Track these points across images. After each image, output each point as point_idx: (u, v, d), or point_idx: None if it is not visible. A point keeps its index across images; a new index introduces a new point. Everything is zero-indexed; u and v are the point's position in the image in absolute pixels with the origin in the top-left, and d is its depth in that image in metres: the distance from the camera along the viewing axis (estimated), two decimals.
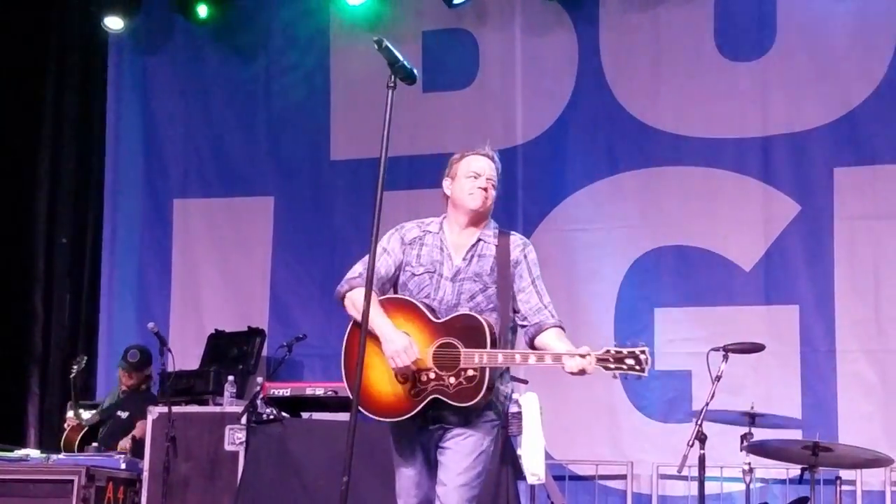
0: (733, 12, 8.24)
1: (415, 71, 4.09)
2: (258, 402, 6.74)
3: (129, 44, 9.48)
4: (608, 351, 4.04)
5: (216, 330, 8.54)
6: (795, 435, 6.36)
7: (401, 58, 4.01)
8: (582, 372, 4.08)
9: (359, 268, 4.45)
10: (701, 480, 5.83)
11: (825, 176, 7.86)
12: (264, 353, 8.48)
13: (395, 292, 4.51)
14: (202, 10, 8.81)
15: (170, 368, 7.46)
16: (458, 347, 4.22)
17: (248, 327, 8.47)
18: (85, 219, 9.60)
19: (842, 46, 8.11)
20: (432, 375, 4.28)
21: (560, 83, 8.46)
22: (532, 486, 6.23)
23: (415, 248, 4.52)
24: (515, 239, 4.54)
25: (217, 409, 7.30)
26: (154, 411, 7.18)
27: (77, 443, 7.97)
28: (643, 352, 4.01)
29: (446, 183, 4.55)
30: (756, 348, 6.10)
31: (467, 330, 4.25)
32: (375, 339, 4.37)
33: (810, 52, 8.10)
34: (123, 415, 8.05)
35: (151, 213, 9.40)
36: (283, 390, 6.84)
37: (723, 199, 8.11)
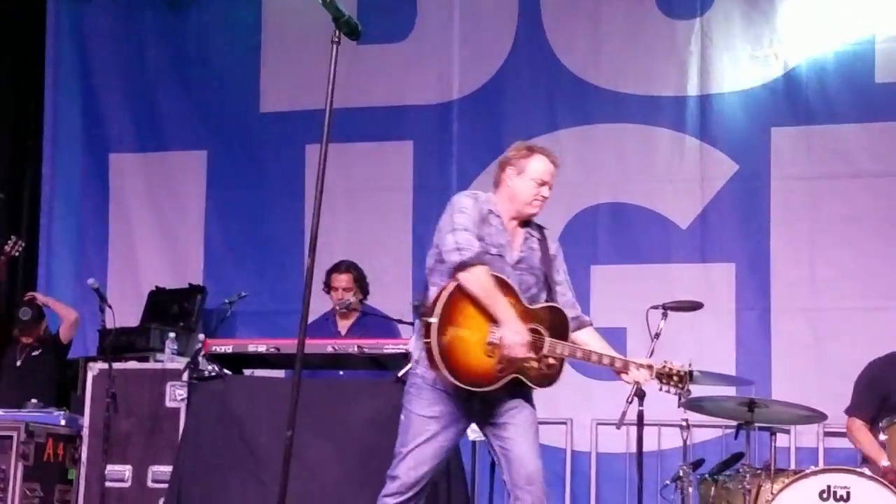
0: None
1: (359, 27, 3.80)
2: (200, 358, 6.27)
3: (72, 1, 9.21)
4: (670, 368, 4.20)
5: (156, 287, 8.24)
6: (731, 392, 6.18)
7: (346, 13, 3.73)
8: (637, 384, 4.28)
9: (460, 236, 4.23)
10: (640, 436, 5.56)
11: (763, 135, 7.60)
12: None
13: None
14: None
15: (109, 325, 7.15)
16: (543, 335, 4.19)
17: (189, 284, 8.18)
18: (23, 173, 9.22)
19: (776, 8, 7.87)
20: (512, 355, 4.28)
21: (499, 38, 8.13)
22: (473, 443, 6.18)
23: (486, 226, 4.35)
24: (549, 234, 4.62)
25: (158, 365, 7.00)
26: (94, 367, 6.86)
27: None
28: (690, 374, 4.21)
29: (510, 171, 4.40)
30: (695, 306, 5.85)
31: (554, 321, 4.26)
32: (480, 311, 4.24)
33: (748, 12, 7.77)
34: (40, 362, 7.74)
35: (90, 167, 8.98)
36: (224, 347, 6.36)
37: (660, 157, 7.81)
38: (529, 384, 4.27)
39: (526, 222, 4.53)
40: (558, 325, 4.30)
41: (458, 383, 4.14)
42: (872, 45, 7.47)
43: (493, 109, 8.19)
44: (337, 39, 3.74)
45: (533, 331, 4.20)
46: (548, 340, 4.20)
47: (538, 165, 4.41)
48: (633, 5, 7.98)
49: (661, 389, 4.31)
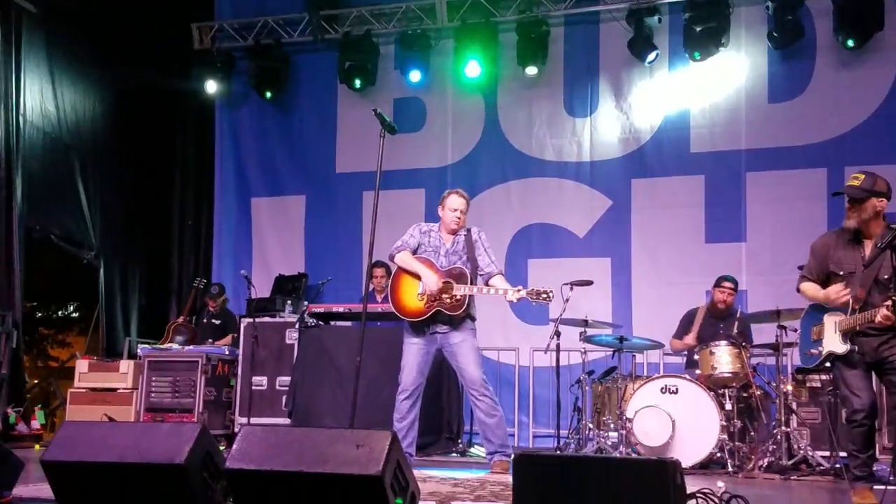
0: (572, 80, 9.20)
1: (395, 128, 5.01)
2: (304, 316, 7.61)
3: (226, 107, 10.26)
4: (535, 290, 5.02)
5: (279, 274, 9.39)
6: (609, 331, 7.09)
7: (388, 119, 4.92)
8: (519, 300, 5.10)
9: (399, 243, 5.52)
10: (558, 357, 6.80)
11: (627, 183, 8.91)
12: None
13: (414, 254, 5.50)
14: (268, 93, 9.77)
15: (253, 297, 8.12)
16: (452, 283, 5.25)
17: (298, 272, 9.35)
18: (201, 210, 10.44)
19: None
20: (436, 298, 5.22)
21: (474, 128, 9.39)
22: None
23: (426, 237, 5.56)
24: (474, 229, 5.58)
25: (281, 319, 7.99)
26: (245, 321, 7.86)
27: (173, 333, 8.61)
28: (549, 292, 5.00)
29: (440, 208, 5.60)
30: (588, 283, 6.91)
31: (459, 275, 5.29)
32: (411, 275, 5.42)
33: (617, 113, 9.07)
34: (216, 321, 8.78)
35: (240, 205, 10.20)
36: (319, 309, 7.68)
37: (567, 196, 9.06)
38: (448, 313, 5.22)
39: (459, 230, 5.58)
40: (459, 276, 5.28)
41: (407, 318, 5.36)
42: (688, 130, 8.76)
43: (471, 169, 9.26)
44: (383, 135, 4.85)
45: (447, 282, 5.27)
46: (454, 285, 5.22)
47: (451, 202, 5.55)
48: (550, 107, 9.21)
49: (534, 303, 5.18)
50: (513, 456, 2.88)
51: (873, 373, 4.61)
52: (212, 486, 3.03)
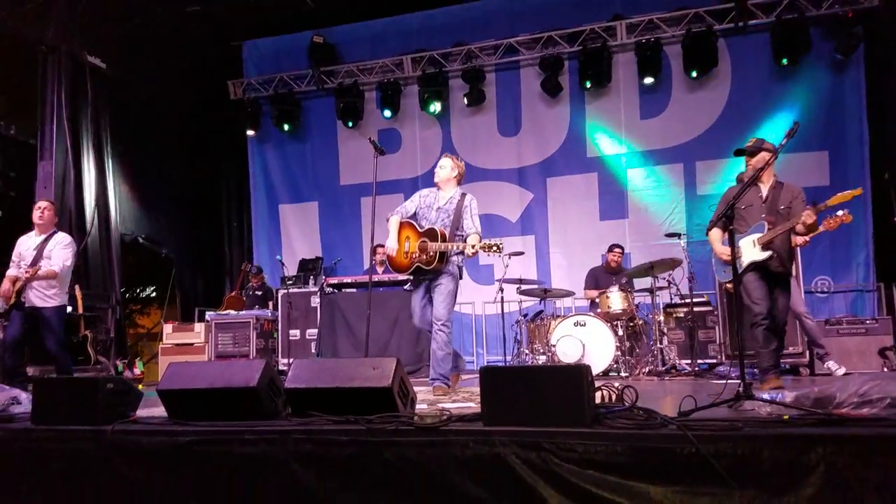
0: (503, 110, 9.04)
1: (384, 150, 5.03)
2: (323, 286, 7.75)
3: (256, 139, 10.13)
4: (486, 242, 4.43)
5: (302, 258, 9.31)
6: (535, 287, 7.10)
7: (379, 145, 4.96)
8: (474, 253, 4.52)
9: (398, 209, 4.92)
10: (502, 306, 6.87)
11: (542, 181, 8.94)
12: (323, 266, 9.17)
13: (415, 218, 4.88)
14: (286, 126, 9.70)
15: (286, 275, 8.42)
16: (427, 242, 4.66)
17: (316, 256, 9.31)
18: (243, 214, 10.44)
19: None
20: (416, 255, 4.69)
21: (434, 148, 9.16)
22: None
23: (425, 200, 4.91)
24: (466, 196, 4.90)
25: (307, 289, 8.09)
26: (280, 293, 8.02)
27: (228, 303, 8.52)
28: (499, 244, 4.41)
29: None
30: (520, 254, 7.19)
31: (433, 234, 4.69)
32: (400, 238, 4.77)
33: (535, 131, 8.92)
34: (259, 293, 8.80)
35: (270, 210, 10.11)
36: (333, 281, 7.82)
37: (503, 193, 8.94)
38: (424, 267, 4.66)
39: (453, 192, 4.91)
40: (431, 235, 4.65)
41: (398, 272, 4.87)
42: (584, 141, 8.72)
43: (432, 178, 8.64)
44: (375, 156, 4.89)
45: (423, 241, 4.66)
46: (429, 243, 4.63)
47: (441, 161, 5.03)
48: (488, 131, 9.11)
49: (488, 254, 4.47)
50: (479, 369, 2.86)
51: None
52: (275, 400, 3.06)
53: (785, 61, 7.92)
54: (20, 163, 7.42)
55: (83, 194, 7.77)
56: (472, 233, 4.70)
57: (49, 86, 7.54)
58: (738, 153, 4.37)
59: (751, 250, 4.37)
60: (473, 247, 4.41)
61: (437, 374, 4.69)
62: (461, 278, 4.82)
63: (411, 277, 4.86)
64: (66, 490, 2.95)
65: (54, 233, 5.54)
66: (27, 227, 5.56)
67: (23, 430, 3.15)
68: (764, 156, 4.30)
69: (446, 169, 4.88)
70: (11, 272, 5.33)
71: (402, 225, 4.82)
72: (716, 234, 4.55)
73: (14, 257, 5.49)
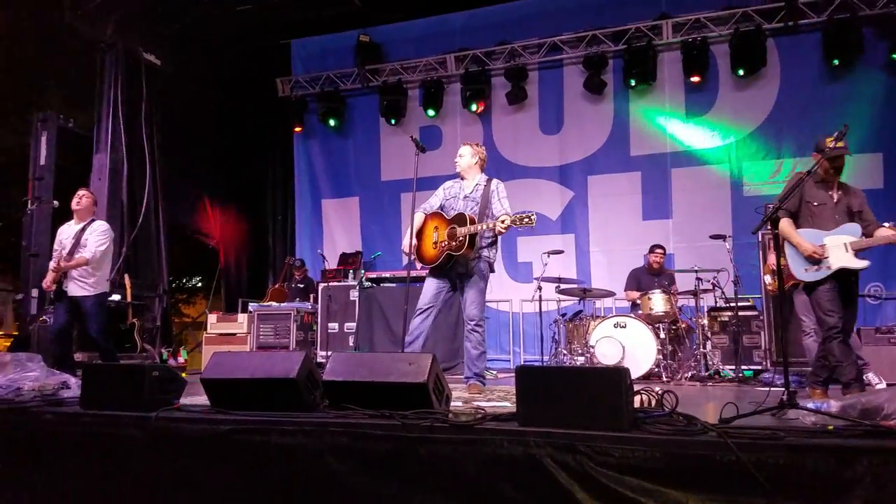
0: (545, 108, 8.98)
1: (425, 148, 4.84)
2: (363, 280, 7.79)
3: (301, 136, 10.19)
4: (518, 215, 4.24)
5: (343, 252, 9.35)
6: (574, 284, 7.06)
7: (420, 143, 4.78)
8: (507, 228, 4.21)
9: (423, 205, 4.83)
10: (540, 306, 6.72)
11: (584, 180, 8.77)
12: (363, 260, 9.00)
13: (441, 209, 4.79)
14: (331, 123, 9.78)
15: (326, 268, 8.54)
16: (456, 227, 4.49)
17: (356, 250, 9.31)
18: (287, 208, 10.45)
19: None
20: (445, 242, 4.51)
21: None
22: None
23: (449, 191, 4.81)
24: (493, 181, 4.73)
25: (346, 283, 7.99)
26: (320, 286, 8.00)
27: (272, 295, 8.55)
28: (531, 215, 4.22)
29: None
30: (560, 252, 7.07)
31: (461, 219, 4.51)
32: (424, 231, 4.72)
33: (577, 129, 8.75)
34: (301, 286, 8.82)
35: (314, 205, 10.18)
36: (372, 275, 7.89)
37: (543, 190, 8.85)
38: (454, 253, 4.43)
39: (477, 180, 4.75)
40: (459, 221, 4.48)
41: (427, 265, 4.66)
42: (628, 140, 8.50)
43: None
44: (417, 153, 4.74)
45: (451, 227, 4.50)
46: (457, 229, 4.45)
47: (460, 150, 4.89)
48: (529, 128, 8.87)
49: (519, 228, 4.24)
50: (515, 368, 2.79)
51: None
52: (313, 392, 3.07)
53: (836, 62, 7.73)
54: (77, 155, 7.59)
55: (135, 186, 7.89)
56: (504, 213, 4.51)
57: (106, 81, 7.74)
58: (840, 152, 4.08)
59: (842, 254, 4.04)
60: (503, 221, 4.18)
61: (472, 372, 4.61)
62: (493, 272, 4.67)
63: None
64: (110, 472, 3.02)
65: (92, 221, 5.58)
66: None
67: (72, 413, 3.25)
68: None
69: (466, 157, 4.75)
70: (53, 263, 5.41)
71: (428, 217, 4.71)
72: (790, 225, 4.18)
73: (56, 246, 5.56)
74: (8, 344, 8.42)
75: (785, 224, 4.17)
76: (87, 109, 8.00)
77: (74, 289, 5.37)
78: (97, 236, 5.43)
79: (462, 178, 4.77)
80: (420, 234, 4.71)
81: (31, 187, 7.21)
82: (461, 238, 4.36)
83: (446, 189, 4.76)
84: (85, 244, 5.39)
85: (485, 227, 4.38)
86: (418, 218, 4.70)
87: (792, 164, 7.63)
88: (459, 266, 4.48)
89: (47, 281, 5.34)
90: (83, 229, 5.46)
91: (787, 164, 7.76)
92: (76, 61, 8.10)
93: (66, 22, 7.40)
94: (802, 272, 4.11)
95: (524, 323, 8.52)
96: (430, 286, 4.59)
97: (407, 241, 4.59)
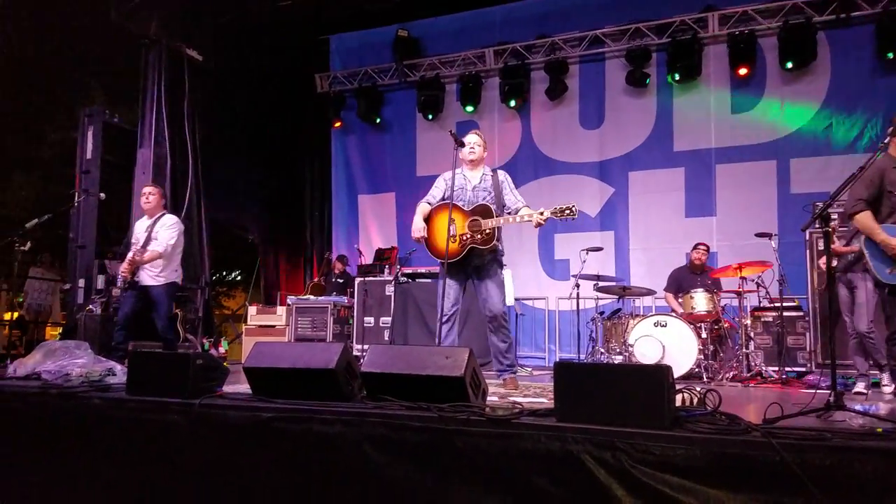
0: (585, 102, 8.82)
1: (463, 143, 4.65)
2: (398, 275, 7.80)
3: (339, 132, 10.29)
4: (559, 207, 4.13)
5: (378, 248, 9.33)
6: (612, 282, 7.04)
7: (457, 136, 4.59)
8: (546, 220, 4.12)
9: (427, 196, 4.71)
10: (578, 303, 6.74)
11: (625, 176, 8.66)
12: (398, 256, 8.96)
13: (443, 199, 4.65)
14: (370, 119, 9.83)
15: (363, 262, 8.59)
16: (479, 220, 4.33)
17: (392, 246, 9.34)
18: (324, 204, 10.56)
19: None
20: (468, 236, 4.35)
21: (513, 140, 9.20)
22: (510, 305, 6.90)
23: (454, 183, 4.51)
24: (500, 171, 4.66)
25: (381, 278, 8.05)
26: (356, 281, 8.07)
27: (311, 289, 8.74)
28: (572, 206, 4.13)
29: (460, 149, 4.61)
30: (599, 249, 7.03)
31: (483, 211, 4.37)
32: (437, 223, 4.46)
33: (618, 124, 8.64)
34: (340, 280, 8.93)
35: (350, 200, 10.28)
36: (408, 270, 7.89)
37: (586, 187, 8.75)
38: (480, 247, 4.30)
39: (483, 170, 4.63)
40: (483, 212, 4.36)
41: (447, 260, 4.42)
42: (671, 135, 8.42)
43: (511, 169, 7.34)
44: (456, 148, 4.58)
45: (474, 220, 4.35)
46: (481, 221, 4.31)
47: (468, 139, 4.69)
48: (569, 123, 8.93)
49: (559, 220, 4.18)
50: (553, 364, 2.79)
51: None
52: (351, 383, 3.12)
53: (890, 55, 7.49)
54: (123, 149, 7.75)
55: (177, 180, 7.98)
56: (522, 206, 4.38)
57: (150, 77, 7.88)
58: None
59: None
60: (542, 213, 4.03)
61: (504, 365, 4.53)
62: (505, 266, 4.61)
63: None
64: (154, 457, 3.12)
65: (162, 215, 5.85)
66: (126, 210, 5.93)
67: (118, 399, 3.36)
68: None
69: (481, 147, 4.60)
70: (129, 255, 5.68)
71: (436, 209, 4.53)
72: (869, 218, 3.74)
73: (132, 240, 5.86)
74: (57, 332, 8.67)
75: (866, 218, 3.76)
76: (131, 105, 8.17)
77: (145, 278, 5.65)
78: (167, 230, 5.72)
79: (470, 169, 4.61)
80: (429, 226, 4.57)
81: (78, 181, 7.41)
82: (488, 231, 4.24)
83: (447, 180, 4.53)
84: (156, 237, 5.68)
85: (518, 219, 4.24)
86: (423, 208, 4.58)
87: (842, 161, 7.45)
88: (475, 258, 4.36)
89: (123, 270, 5.60)
90: (154, 223, 5.75)
91: (837, 160, 7.58)
92: (120, 58, 8.34)
93: (112, 19, 7.58)
94: (887, 273, 3.75)
95: (560, 321, 8.48)
96: (452, 288, 4.43)
97: (420, 225, 4.46)
